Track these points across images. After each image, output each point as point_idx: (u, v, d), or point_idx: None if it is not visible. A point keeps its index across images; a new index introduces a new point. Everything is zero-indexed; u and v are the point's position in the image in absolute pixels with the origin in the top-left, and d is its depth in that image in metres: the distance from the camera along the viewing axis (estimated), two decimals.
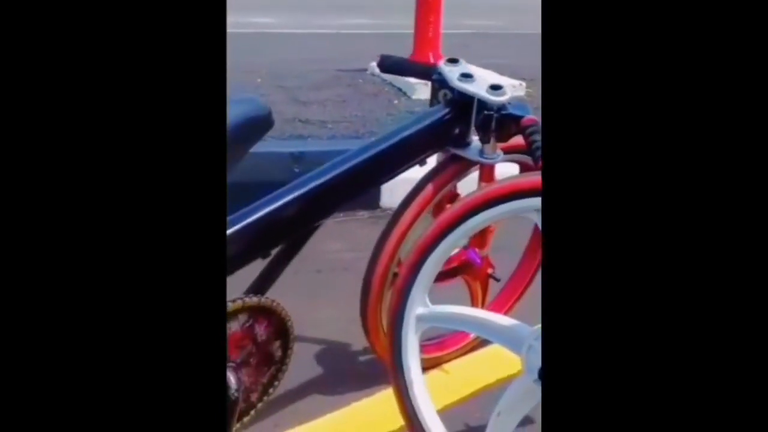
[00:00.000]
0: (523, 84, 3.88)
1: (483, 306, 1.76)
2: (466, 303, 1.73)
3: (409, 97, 3.85)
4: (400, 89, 3.98)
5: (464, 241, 1.47)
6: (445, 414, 1.43)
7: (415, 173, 1.55)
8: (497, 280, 1.74)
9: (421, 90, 3.79)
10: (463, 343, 1.82)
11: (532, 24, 7.79)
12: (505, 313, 1.83)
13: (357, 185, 1.49)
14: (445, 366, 1.80)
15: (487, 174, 1.51)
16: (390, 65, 1.68)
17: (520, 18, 7.62)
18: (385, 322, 1.58)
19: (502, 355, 1.60)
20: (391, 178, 1.50)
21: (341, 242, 2.46)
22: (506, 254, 1.86)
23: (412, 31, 4.18)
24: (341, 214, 2.54)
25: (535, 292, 1.86)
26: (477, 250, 1.61)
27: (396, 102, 3.79)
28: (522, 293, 1.87)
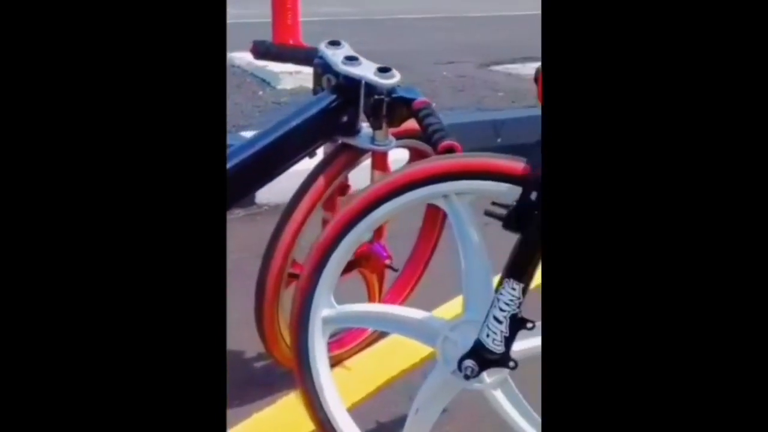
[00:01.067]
0: None
1: (380, 297, 1.71)
2: (363, 294, 1.68)
3: (273, 88, 3.73)
4: (263, 80, 3.85)
5: (368, 235, 1.40)
6: (353, 412, 1.37)
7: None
8: (395, 270, 1.69)
9: (285, 79, 3.69)
10: (362, 338, 1.77)
11: (386, 10, 7.82)
12: (401, 303, 1.79)
13: (242, 185, 1.38)
14: (347, 363, 1.74)
15: (380, 162, 1.45)
16: (264, 51, 1.57)
17: (373, 4, 7.64)
18: (283, 325, 1.49)
19: (402, 346, 1.56)
20: (279, 174, 1.40)
21: None
22: (396, 241, 1.81)
23: (270, 19, 4.05)
24: None
25: (427, 279, 1.83)
26: (380, 243, 1.54)
27: (261, 93, 3.66)
28: (417, 282, 1.83)
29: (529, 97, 3.84)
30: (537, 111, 3.40)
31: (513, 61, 4.90)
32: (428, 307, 1.81)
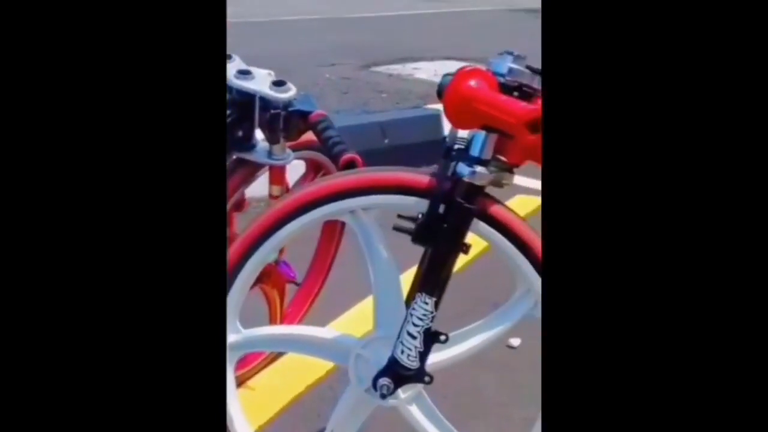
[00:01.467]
0: (272, 74, 3.79)
1: (282, 314, 1.66)
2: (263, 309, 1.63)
3: None
4: None
5: (274, 256, 1.35)
6: None
7: None
8: (297, 284, 1.64)
9: None
10: (263, 357, 1.71)
11: (264, 12, 7.67)
12: (303, 317, 1.75)
13: None
14: (250, 383, 1.68)
15: (277, 176, 1.40)
16: None
17: (250, 6, 7.49)
18: None
19: (306, 361, 1.52)
20: None
21: None
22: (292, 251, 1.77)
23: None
24: None
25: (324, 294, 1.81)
26: (286, 261, 1.50)
27: None
28: (317, 295, 1.79)
29: (412, 98, 3.88)
30: (422, 112, 3.44)
31: (393, 61, 4.94)
32: (326, 319, 1.78)
